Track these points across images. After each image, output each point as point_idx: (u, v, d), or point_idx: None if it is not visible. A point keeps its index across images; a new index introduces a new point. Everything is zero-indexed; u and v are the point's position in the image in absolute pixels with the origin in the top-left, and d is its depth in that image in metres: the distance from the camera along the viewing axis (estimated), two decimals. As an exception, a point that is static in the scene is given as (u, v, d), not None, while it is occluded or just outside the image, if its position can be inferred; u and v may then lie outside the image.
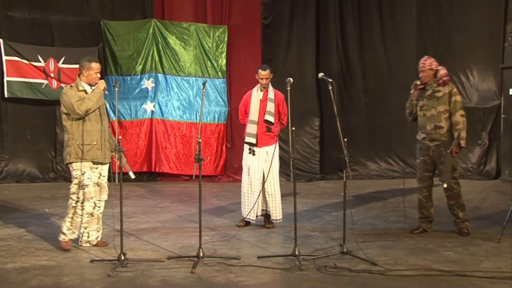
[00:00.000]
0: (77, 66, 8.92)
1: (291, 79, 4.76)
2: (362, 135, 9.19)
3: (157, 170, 9.06)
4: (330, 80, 4.66)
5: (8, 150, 8.87)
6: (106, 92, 4.71)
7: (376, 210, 6.10)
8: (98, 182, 4.71)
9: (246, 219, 5.57)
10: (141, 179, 8.92)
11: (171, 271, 4.07)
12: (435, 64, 5.12)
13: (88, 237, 4.74)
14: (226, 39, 9.11)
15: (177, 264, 4.25)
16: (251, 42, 9.10)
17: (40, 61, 8.68)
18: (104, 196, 4.76)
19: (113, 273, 3.99)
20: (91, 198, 4.65)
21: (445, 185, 5.02)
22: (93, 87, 4.69)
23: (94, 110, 4.63)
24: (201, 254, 4.29)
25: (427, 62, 5.13)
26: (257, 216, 5.53)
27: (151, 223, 5.85)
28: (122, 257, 4.21)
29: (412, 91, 5.22)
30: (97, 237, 4.77)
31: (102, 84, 4.70)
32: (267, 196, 5.47)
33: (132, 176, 4.90)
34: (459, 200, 5.12)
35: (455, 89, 5.10)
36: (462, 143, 4.96)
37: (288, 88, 4.66)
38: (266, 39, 9.17)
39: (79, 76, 4.71)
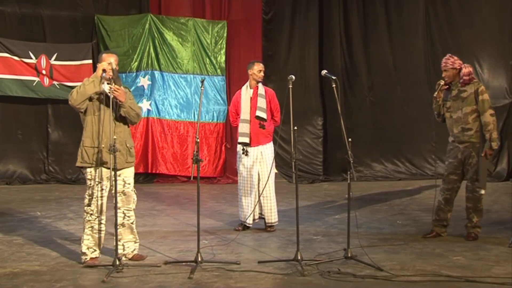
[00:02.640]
0: (69, 62, 9.10)
1: (293, 77, 4.68)
2: (367, 134, 9.11)
3: (153, 171, 9.05)
4: (333, 77, 4.59)
5: (-2, 151, 8.83)
6: (105, 75, 4.22)
7: (382, 213, 6.02)
8: (123, 190, 4.37)
9: (243, 223, 5.51)
10: (137, 180, 8.73)
11: (168, 277, 4.00)
12: (459, 63, 4.98)
13: (123, 249, 4.42)
14: (225, 35, 9.08)
15: (175, 270, 4.18)
16: (252, 38, 9.10)
17: (31, 58, 8.64)
18: (132, 205, 4.44)
19: (108, 278, 3.91)
20: (103, 213, 4.30)
21: (483, 191, 4.92)
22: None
23: (85, 99, 4.19)
24: (199, 259, 4.22)
25: (450, 61, 4.99)
26: (254, 220, 5.48)
27: (147, 226, 5.79)
28: (117, 262, 4.10)
29: (436, 92, 5.08)
30: (134, 249, 4.47)
31: (99, 69, 4.23)
32: (261, 198, 5.43)
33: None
34: (478, 205, 5.02)
35: (481, 87, 4.94)
36: (494, 145, 4.85)
37: (290, 86, 4.59)
38: (267, 35, 9.16)
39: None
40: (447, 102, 5.05)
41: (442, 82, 5.02)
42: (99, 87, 4.21)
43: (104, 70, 4.23)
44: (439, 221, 5.11)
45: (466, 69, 4.95)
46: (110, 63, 4.25)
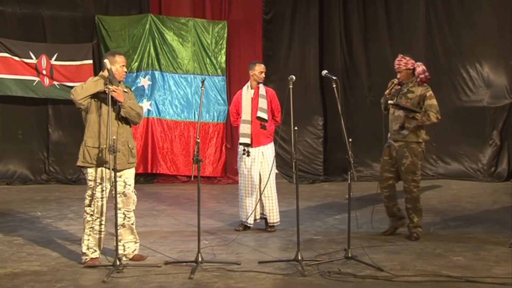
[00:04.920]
0: (70, 63, 9.09)
1: (294, 77, 4.66)
2: (367, 134, 9.08)
3: (154, 171, 9.01)
4: (334, 77, 4.59)
5: (-2, 151, 8.81)
6: (108, 66, 4.20)
7: (382, 213, 5.99)
8: (124, 191, 4.36)
9: (244, 223, 5.49)
10: (137, 180, 8.70)
11: (169, 277, 4.00)
12: (411, 63, 5.03)
13: (124, 250, 4.42)
14: (225, 35, 9.06)
15: (175, 270, 4.17)
16: (252, 38, 9.07)
17: (31, 58, 8.61)
18: (132, 207, 4.43)
19: (108, 279, 3.91)
20: (103, 214, 4.29)
21: (418, 116, 4.91)
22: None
23: (88, 96, 4.18)
24: (199, 259, 4.21)
25: (403, 62, 5.04)
26: (255, 220, 5.47)
27: (147, 226, 5.78)
28: (117, 262, 4.09)
29: (388, 90, 5.12)
30: (134, 249, 4.46)
31: (105, 67, 4.23)
32: (263, 198, 5.40)
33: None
34: (417, 205, 5.05)
35: (430, 92, 4.98)
36: (421, 116, 4.87)
37: (291, 86, 4.58)
38: (267, 35, 9.13)
39: (103, 71, 4.35)
40: (395, 98, 5.08)
41: (395, 81, 5.07)
42: (102, 87, 4.20)
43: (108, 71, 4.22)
44: (391, 217, 5.20)
45: (420, 67, 5.00)
46: (122, 67, 4.30)
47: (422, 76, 4.98)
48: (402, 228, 5.53)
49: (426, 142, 5.09)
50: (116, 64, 4.31)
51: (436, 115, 4.91)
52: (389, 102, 4.97)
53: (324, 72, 4.82)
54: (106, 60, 4.29)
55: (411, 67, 5.01)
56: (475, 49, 8.77)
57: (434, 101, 4.93)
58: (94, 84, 4.21)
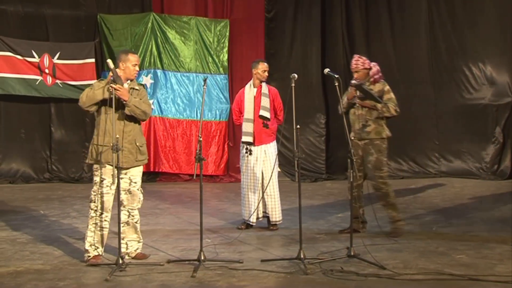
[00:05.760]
0: (72, 61, 9.10)
1: (296, 75, 4.66)
2: (369, 133, 9.05)
3: (156, 170, 9.01)
4: (336, 76, 4.61)
5: (1, 150, 8.81)
6: (111, 66, 4.24)
7: (385, 212, 5.97)
8: (129, 189, 4.38)
9: (247, 222, 5.49)
10: (140, 179, 8.81)
11: (171, 275, 3.99)
12: (368, 63, 5.13)
13: (127, 248, 4.42)
14: (227, 33, 9.04)
15: (177, 268, 4.17)
16: (254, 36, 9.06)
17: (34, 57, 8.61)
18: (137, 204, 4.44)
19: (111, 277, 3.91)
20: (106, 210, 4.31)
21: (379, 106, 5.01)
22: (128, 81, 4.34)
23: (97, 101, 4.22)
24: (202, 258, 4.20)
25: (360, 62, 5.12)
26: (257, 218, 5.47)
27: (150, 225, 5.76)
28: (120, 261, 4.09)
29: (349, 93, 5.17)
30: (137, 248, 4.47)
31: (110, 73, 4.27)
32: (265, 197, 5.40)
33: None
34: (388, 200, 5.09)
35: (387, 87, 5.10)
36: (380, 106, 4.96)
37: (293, 85, 4.57)
38: (269, 33, 9.13)
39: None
40: (354, 99, 5.14)
41: (353, 82, 5.11)
42: (108, 94, 4.21)
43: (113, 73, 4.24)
44: (355, 218, 5.18)
45: (375, 68, 5.11)
46: (134, 66, 4.32)
47: (376, 76, 5.11)
48: (405, 227, 5.52)
49: (389, 139, 5.15)
50: (128, 63, 4.33)
51: (395, 107, 5.04)
52: (352, 82, 5.03)
53: (326, 70, 4.84)
54: (109, 60, 4.36)
55: (368, 67, 5.12)
56: (477, 47, 8.74)
57: (392, 95, 5.07)
58: (98, 93, 4.23)
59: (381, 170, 5.04)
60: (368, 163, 5.08)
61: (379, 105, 4.97)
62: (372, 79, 5.08)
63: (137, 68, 4.40)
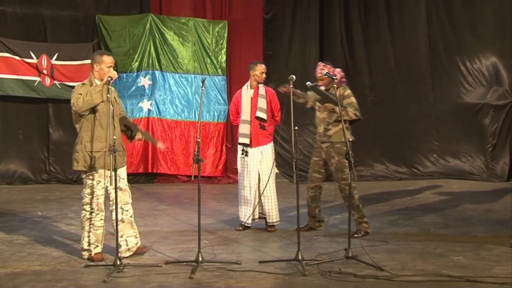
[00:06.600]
0: (70, 62, 9.08)
1: (294, 77, 4.67)
2: (368, 134, 9.04)
3: (154, 171, 8.99)
4: (334, 77, 4.62)
5: (-1, 151, 8.78)
6: (111, 77, 4.27)
7: (383, 213, 6.01)
8: (119, 186, 4.39)
9: (244, 223, 5.49)
10: (138, 180, 8.86)
11: (169, 277, 3.99)
12: (332, 70, 5.21)
13: (127, 244, 4.46)
14: (226, 34, 9.03)
15: (175, 269, 4.17)
16: (252, 38, 9.04)
17: (32, 58, 8.58)
18: (129, 199, 4.49)
19: (109, 278, 3.92)
20: (103, 210, 4.38)
21: (335, 106, 5.03)
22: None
23: (95, 106, 4.27)
24: (200, 259, 4.21)
25: (324, 71, 5.17)
26: (253, 220, 5.48)
27: (148, 226, 5.76)
28: (118, 262, 4.10)
29: (312, 102, 5.34)
30: (136, 243, 4.51)
31: (106, 77, 4.28)
32: (262, 198, 5.41)
33: (162, 147, 4.60)
34: (352, 201, 5.10)
35: (347, 92, 5.22)
36: (338, 108, 4.90)
37: (291, 86, 4.59)
38: (267, 34, 9.11)
39: (92, 71, 4.41)
40: (317, 103, 5.26)
41: (308, 84, 5.14)
42: (106, 97, 4.23)
43: (110, 77, 4.27)
44: (311, 217, 5.38)
45: (339, 74, 5.22)
46: (109, 68, 4.35)
47: (340, 82, 5.21)
48: (402, 228, 5.54)
49: (350, 143, 5.12)
50: (102, 64, 4.35)
51: (355, 112, 5.13)
52: (307, 83, 5.09)
53: (325, 71, 4.85)
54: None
55: (333, 75, 5.17)
56: (476, 48, 8.75)
57: (352, 99, 5.17)
58: (97, 96, 4.24)
59: (343, 172, 5.13)
60: (331, 166, 5.20)
61: (337, 108, 4.99)
62: (336, 85, 5.14)
63: (111, 69, 4.40)
